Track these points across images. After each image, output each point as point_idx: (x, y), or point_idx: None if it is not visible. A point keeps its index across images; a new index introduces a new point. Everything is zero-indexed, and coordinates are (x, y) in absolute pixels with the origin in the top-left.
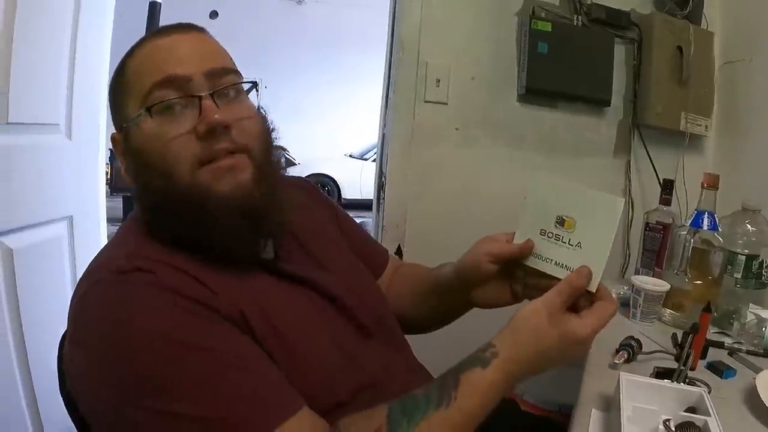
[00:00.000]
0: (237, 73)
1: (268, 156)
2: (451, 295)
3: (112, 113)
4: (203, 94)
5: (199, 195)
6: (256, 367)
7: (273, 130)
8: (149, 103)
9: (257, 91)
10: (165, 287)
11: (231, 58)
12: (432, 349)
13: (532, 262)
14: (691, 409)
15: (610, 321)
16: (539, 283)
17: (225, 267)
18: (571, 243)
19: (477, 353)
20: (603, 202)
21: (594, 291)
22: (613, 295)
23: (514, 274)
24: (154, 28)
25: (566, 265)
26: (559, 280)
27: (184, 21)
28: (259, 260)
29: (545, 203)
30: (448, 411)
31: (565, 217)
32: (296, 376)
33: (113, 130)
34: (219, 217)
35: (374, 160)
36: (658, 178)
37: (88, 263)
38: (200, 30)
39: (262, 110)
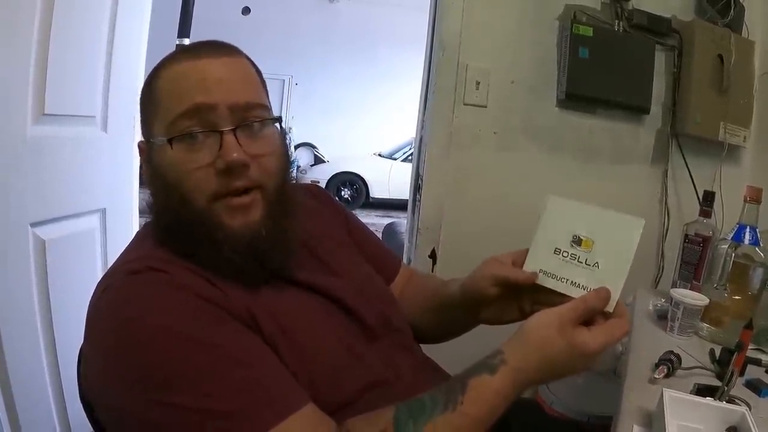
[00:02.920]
0: (263, 106)
1: (282, 190)
2: (458, 312)
3: (141, 120)
4: (225, 129)
5: (210, 225)
6: (263, 364)
7: (292, 161)
8: (173, 134)
9: (281, 127)
10: (177, 285)
11: (259, 84)
12: (437, 349)
13: (543, 281)
14: (733, 429)
15: (635, 334)
16: (551, 300)
17: (239, 279)
18: (588, 263)
19: (486, 359)
20: (623, 222)
21: (611, 311)
22: (651, 306)
23: (521, 293)
24: (186, 28)
25: (582, 285)
26: (572, 298)
27: (217, 15)
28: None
29: (561, 221)
30: (454, 415)
31: (582, 237)
32: (304, 375)
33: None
34: (226, 249)
35: (404, 160)
36: (695, 188)
37: (108, 267)
38: (231, 52)
39: (287, 136)
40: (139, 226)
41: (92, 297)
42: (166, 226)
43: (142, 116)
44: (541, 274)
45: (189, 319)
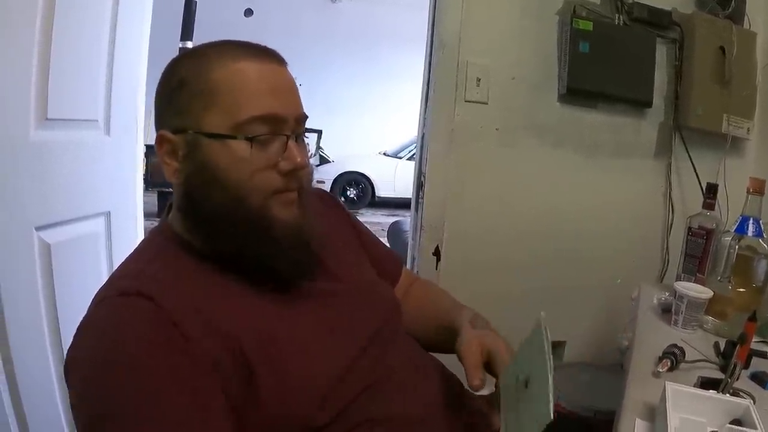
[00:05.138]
0: (307, 117)
1: (309, 194)
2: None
3: (166, 111)
4: (290, 134)
5: (267, 220)
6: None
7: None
8: (249, 133)
9: (319, 139)
10: (158, 320)
11: None
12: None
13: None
14: (737, 421)
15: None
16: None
17: (237, 291)
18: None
19: None
20: (536, 335)
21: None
22: (655, 300)
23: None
24: (190, 27)
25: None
26: None
27: (219, 18)
28: (295, 277)
29: (528, 356)
30: None
31: (527, 379)
32: (285, 399)
33: (152, 124)
34: (282, 240)
35: (409, 159)
36: (699, 181)
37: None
38: (282, 61)
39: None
40: (145, 229)
41: (90, 303)
42: (208, 220)
43: (173, 103)
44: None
45: (154, 366)
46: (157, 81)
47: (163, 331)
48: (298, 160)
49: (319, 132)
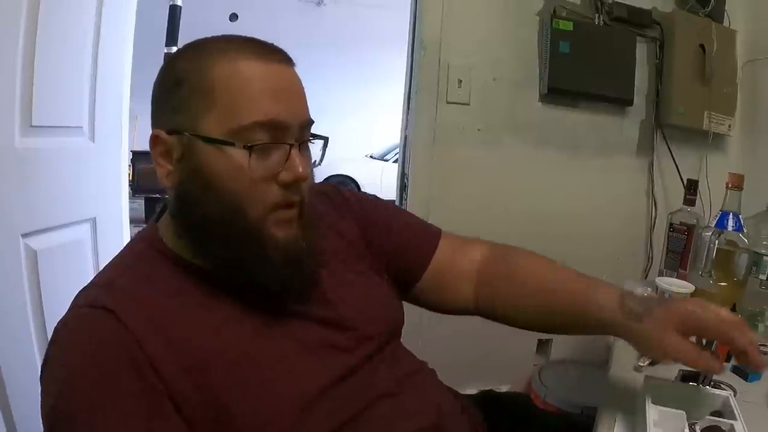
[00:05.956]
0: (312, 122)
1: (310, 206)
2: (595, 329)
3: (162, 109)
4: (293, 142)
5: (262, 237)
6: None
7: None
8: (245, 140)
9: (325, 147)
10: (117, 341)
11: None
12: (437, 352)
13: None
14: (717, 413)
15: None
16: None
17: (214, 307)
18: None
19: None
20: None
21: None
22: None
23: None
24: (176, 29)
25: None
26: None
27: (204, 23)
28: (283, 295)
29: None
30: None
31: None
32: (260, 421)
33: (137, 130)
34: (275, 259)
35: (395, 161)
36: (681, 178)
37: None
38: (290, 60)
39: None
40: (132, 235)
41: (71, 303)
42: (200, 229)
43: (168, 102)
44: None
45: (104, 393)
46: (143, 86)
47: (123, 355)
48: (300, 170)
49: (326, 139)
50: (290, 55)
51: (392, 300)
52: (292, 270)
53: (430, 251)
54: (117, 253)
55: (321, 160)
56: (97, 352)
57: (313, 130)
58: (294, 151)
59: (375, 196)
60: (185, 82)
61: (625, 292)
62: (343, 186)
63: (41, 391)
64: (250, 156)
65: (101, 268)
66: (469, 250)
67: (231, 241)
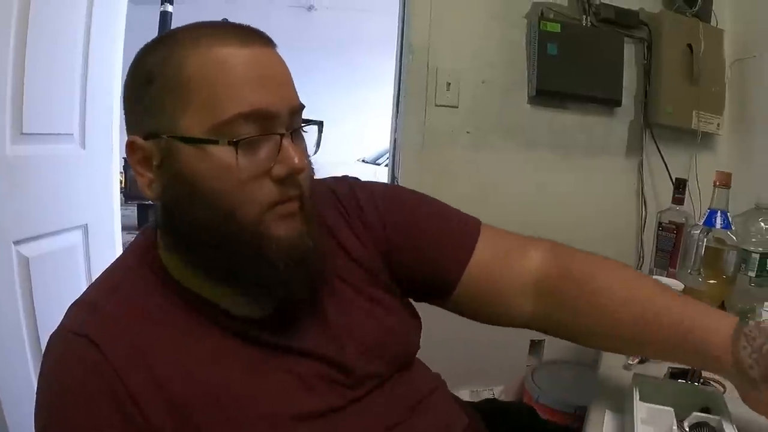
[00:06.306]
0: (303, 107)
1: (312, 203)
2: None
3: (134, 112)
4: (283, 132)
5: (260, 237)
6: None
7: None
8: (233, 136)
9: (320, 132)
10: (98, 372)
11: None
12: (439, 358)
13: None
14: (706, 409)
15: None
16: None
17: (205, 338)
18: None
19: None
20: None
21: None
22: None
23: None
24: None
25: None
26: None
27: None
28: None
29: None
30: None
31: None
32: None
33: (126, 136)
34: (276, 259)
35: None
36: (671, 178)
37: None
38: (270, 41)
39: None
40: (124, 241)
41: (64, 315)
42: (191, 241)
43: (139, 104)
44: None
45: (84, 428)
46: None
47: (104, 387)
48: (295, 161)
49: (320, 123)
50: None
51: (407, 328)
52: (298, 271)
53: (465, 258)
54: (112, 263)
55: (317, 147)
56: (81, 381)
57: (306, 134)
58: (286, 141)
59: (393, 190)
60: (156, 79)
61: (738, 329)
62: (356, 182)
63: (35, 404)
64: (237, 152)
65: (94, 275)
66: (521, 255)
67: (224, 251)
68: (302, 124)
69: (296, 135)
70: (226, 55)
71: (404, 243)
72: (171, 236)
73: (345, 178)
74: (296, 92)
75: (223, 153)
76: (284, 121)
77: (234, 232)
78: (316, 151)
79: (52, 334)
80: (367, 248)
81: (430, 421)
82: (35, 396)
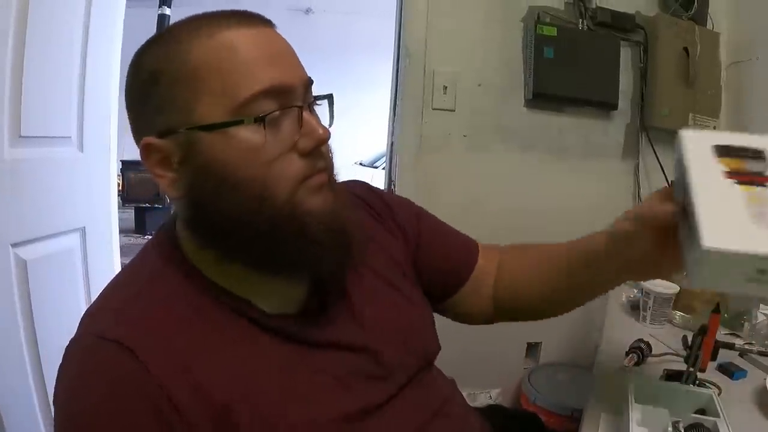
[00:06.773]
0: (313, 81)
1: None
2: (604, 265)
3: (143, 114)
4: (302, 104)
5: (297, 214)
6: None
7: None
8: (255, 113)
9: (331, 105)
10: (137, 385)
11: None
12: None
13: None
14: (701, 411)
15: (609, 326)
16: None
17: (240, 340)
18: None
19: None
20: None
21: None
22: (623, 298)
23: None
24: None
25: None
26: None
27: None
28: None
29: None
30: None
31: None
32: None
33: (124, 139)
34: (317, 236)
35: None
36: (667, 180)
37: (100, 292)
38: (270, 22)
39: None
40: (121, 244)
41: (80, 323)
42: (225, 232)
43: (147, 105)
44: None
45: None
46: None
47: (145, 404)
48: (320, 132)
49: (330, 96)
50: None
51: (431, 326)
52: (341, 238)
53: (470, 271)
54: (128, 265)
55: (331, 120)
56: (114, 391)
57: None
58: (306, 114)
59: (408, 201)
60: (162, 76)
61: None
62: (369, 184)
63: (54, 415)
64: (264, 129)
65: (92, 278)
66: (492, 256)
67: (263, 235)
68: (314, 99)
69: (311, 108)
70: (231, 38)
71: (422, 260)
72: (202, 232)
73: (354, 180)
74: (303, 66)
75: (248, 133)
76: (300, 94)
77: (271, 214)
78: (331, 123)
79: (68, 345)
80: (398, 242)
81: (453, 426)
82: (54, 414)
